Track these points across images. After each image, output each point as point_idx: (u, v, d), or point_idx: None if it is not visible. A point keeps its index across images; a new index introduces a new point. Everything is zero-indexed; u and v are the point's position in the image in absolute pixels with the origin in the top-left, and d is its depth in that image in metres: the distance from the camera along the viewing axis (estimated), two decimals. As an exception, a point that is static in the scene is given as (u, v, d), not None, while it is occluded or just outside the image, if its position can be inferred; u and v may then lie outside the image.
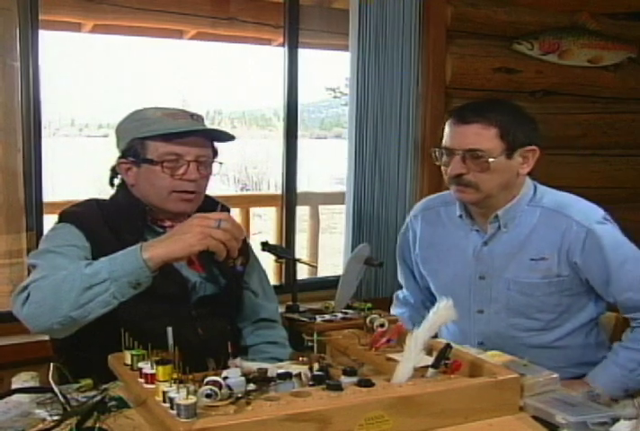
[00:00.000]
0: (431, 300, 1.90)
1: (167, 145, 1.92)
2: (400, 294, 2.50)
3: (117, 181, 2.05)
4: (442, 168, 2.12)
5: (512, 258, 2.13)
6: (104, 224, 1.94)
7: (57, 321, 1.64)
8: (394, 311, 2.46)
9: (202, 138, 1.97)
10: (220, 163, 2.04)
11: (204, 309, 1.98)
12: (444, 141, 2.10)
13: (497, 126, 2.03)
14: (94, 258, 1.79)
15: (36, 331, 1.72)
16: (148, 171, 1.94)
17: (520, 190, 2.14)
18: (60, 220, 1.97)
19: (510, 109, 2.11)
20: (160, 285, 1.88)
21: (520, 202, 2.14)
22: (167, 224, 2.00)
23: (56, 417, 1.45)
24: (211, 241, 1.63)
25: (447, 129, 2.10)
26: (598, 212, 2.13)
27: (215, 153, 2.04)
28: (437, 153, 2.12)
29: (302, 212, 4.13)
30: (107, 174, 2.06)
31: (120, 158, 1.99)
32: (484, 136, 2.03)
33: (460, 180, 2.07)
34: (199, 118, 2.00)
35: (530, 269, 2.11)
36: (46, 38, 2.99)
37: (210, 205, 2.11)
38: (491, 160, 2.02)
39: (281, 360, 2.03)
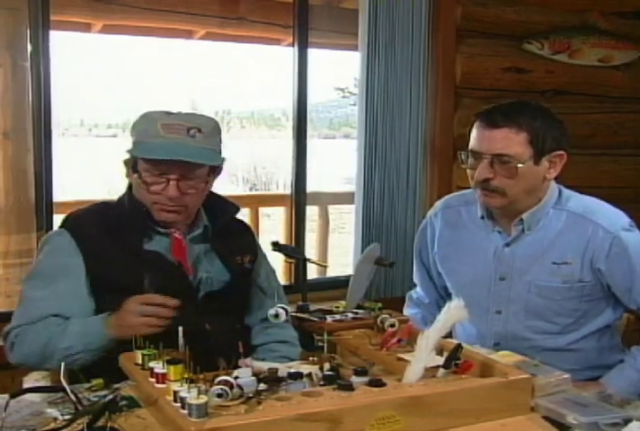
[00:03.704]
0: (446, 300, 1.90)
1: (149, 164, 1.92)
2: (413, 294, 2.49)
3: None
4: (468, 171, 2.09)
5: (534, 260, 2.12)
6: (104, 231, 1.96)
7: (45, 369, 1.89)
8: (406, 311, 2.45)
9: (195, 161, 1.93)
10: (205, 183, 1.99)
11: (211, 304, 1.99)
12: (471, 144, 2.07)
13: (527, 131, 2.00)
14: (88, 263, 1.93)
15: None
16: (138, 181, 1.96)
17: (545, 194, 2.12)
18: (61, 224, 2.03)
19: (539, 112, 2.06)
20: (162, 281, 1.90)
21: (545, 205, 2.12)
22: (165, 225, 2.01)
23: (67, 417, 1.45)
24: (146, 329, 1.73)
25: (474, 132, 2.06)
26: (624, 218, 2.11)
27: (215, 167, 2.01)
28: (463, 156, 2.09)
29: (310, 212, 4.13)
30: (118, 172, 2.07)
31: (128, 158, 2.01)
32: (513, 141, 1.99)
33: (487, 186, 2.04)
34: (196, 133, 1.93)
35: (552, 273, 2.10)
36: (56, 38, 2.99)
37: (220, 205, 2.12)
38: (519, 166, 1.99)
39: (292, 359, 2.03)
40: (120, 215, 2.00)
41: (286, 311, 1.79)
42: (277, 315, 1.78)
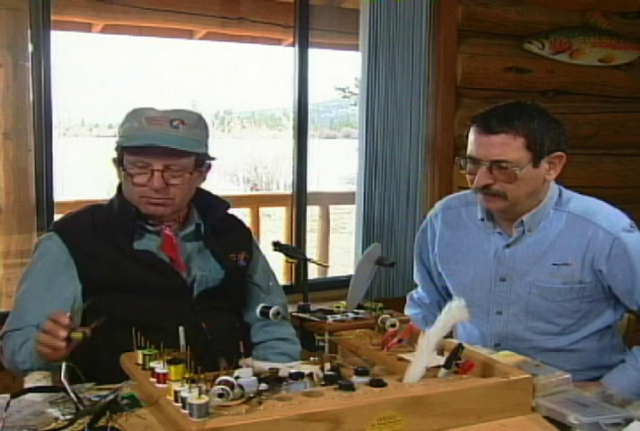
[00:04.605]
0: (447, 300, 1.90)
1: (135, 155, 1.93)
2: (415, 294, 2.49)
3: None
4: (468, 177, 2.08)
5: (535, 261, 2.11)
6: (94, 231, 1.98)
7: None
8: (408, 311, 2.45)
9: (177, 147, 1.93)
10: (190, 174, 1.97)
11: (206, 303, 2.00)
12: (469, 150, 2.06)
13: (524, 135, 1.98)
14: (80, 265, 1.94)
15: None
16: (124, 175, 1.98)
17: (545, 195, 2.12)
18: (51, 228, 2.05)
19: (536, 114, 2.04)
20: (156, 281, 1.91)
21: (545, 207, 2.11)
22: (155, 222, 2.02)
23: (68, 417, 1.45)
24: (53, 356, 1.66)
25: (471, 138, 2.06)
26: (624, 220, 2.11)
27: (201, 159, 2.01)
28: (462, 161, 2.09)
29: (311, 212, 4.14)
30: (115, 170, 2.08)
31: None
32: (510, 147, 1.98)
33: (487, 191, 2.04)
34: (179, 124, 1.94)
35: (552, 274, 2.10)
36: (56, 38, 3.00)
37: (210, 202, 2.13)
38: (518, 171, 1.98)
39: (291, 356, 2.04)
40: (110, 216, 2.01)
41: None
42: (278, 313, 1.80)
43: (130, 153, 1.94)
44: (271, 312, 1.80)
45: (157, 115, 1.96)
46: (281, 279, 2.39)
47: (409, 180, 3.53)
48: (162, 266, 1.97)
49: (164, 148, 1.90)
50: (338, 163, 11.92)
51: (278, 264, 2.38)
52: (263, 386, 1.44)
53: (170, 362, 1.48)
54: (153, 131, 1.92)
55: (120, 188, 2.05)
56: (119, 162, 1.98)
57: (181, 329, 1.62)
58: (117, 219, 1.99)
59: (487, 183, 2.02)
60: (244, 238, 2.20)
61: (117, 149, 1.99)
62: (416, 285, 2.49)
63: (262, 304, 1.86)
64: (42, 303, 1.91)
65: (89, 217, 2.02)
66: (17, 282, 2.04)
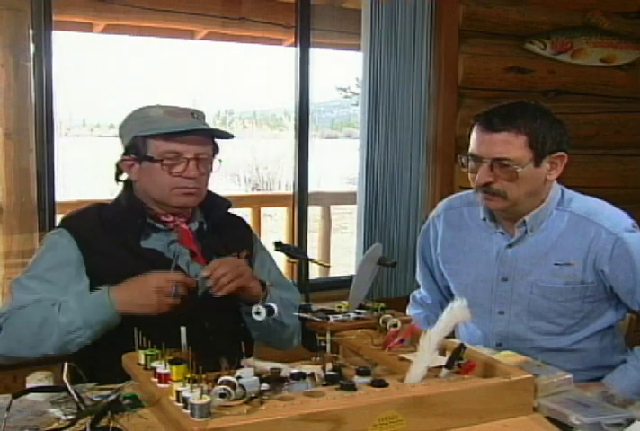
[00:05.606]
0: (449, 300, 1.89)
1: (167, 144, 1.95)
2: (417, 294, 2.50)
3: (122, 177, 2.08)
4: (470, 175, 2.09)
5: (537, 261, 2.12)
6: (102, 229, 1.98)
7: (33, 356, 1.86)
8: (410, 311, 2.45)
9: (202, 136, 1.99)
10: (220, 161, 2.06)
11: (210, 302, 1.99)
12: (471, 148, 2.07)
13: (526, 134, 1.99)
14: (88, 262, 1.94)
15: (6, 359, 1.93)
16: (149, 168, 1.97)
17: (547, 195, 2.12)
18: (59, 225, 2.06)
19: (539, 114, 2.05)
20: None
21: (547, 206, 2.11)
22: (170, 219, 2.03)
23: (70, 417, 1.45)
24: (165, 307, 1.81)
25: (474, 136, 2.06)
26: (627, 220, 2.11)
27: (215, 150, 2.06)
28: (463, 159, 2.09)
29: (313, 212, 4.15)
30: (113, 170, 2.08)
31: (123, 155, 2.03)
32: (512, 145, 1.99)
33: (488, 189, 2.04)
34: (199, 116, 2.01)
35: (554, 274, 2.10)
36: (58, 38, 3.00)
37: (212, 200, 2.14)
38: (519, 169, 1.99)
39: (293, 303, 2.10)
40: (118, 213, 2.01)
41: (269, 308, 1.83)
42: (258, 313, 1.80)
43: (162, 143, 1.94)
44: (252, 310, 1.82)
45: (175, 110, 1.99)
46: (283, 279, 2.39)
47: (410, 179, 3.53)
48: (169, 265, 1.97)
49: (194, 136, 1.95)
50: (339, 163, 11.92)
51: (279, 264, 2.38)
52: (265, 386, 1.44)
53: (172, 362, 1.48)
54: (181, 121, 1.96)
55: (127, 185, 2.06)
56: (138, 157, 1.98)
57: (182, 329, 1.62)
58: (125, 217, 2.00)
59: (488, 181, 2.02)
60: (244, 235, 2.21)
61: (129, 146, 1.99)
62: (418, 285, 2.49)
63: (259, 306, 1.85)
64: (46, 285, 1.91)
65: (96, 215, 2.02)
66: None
